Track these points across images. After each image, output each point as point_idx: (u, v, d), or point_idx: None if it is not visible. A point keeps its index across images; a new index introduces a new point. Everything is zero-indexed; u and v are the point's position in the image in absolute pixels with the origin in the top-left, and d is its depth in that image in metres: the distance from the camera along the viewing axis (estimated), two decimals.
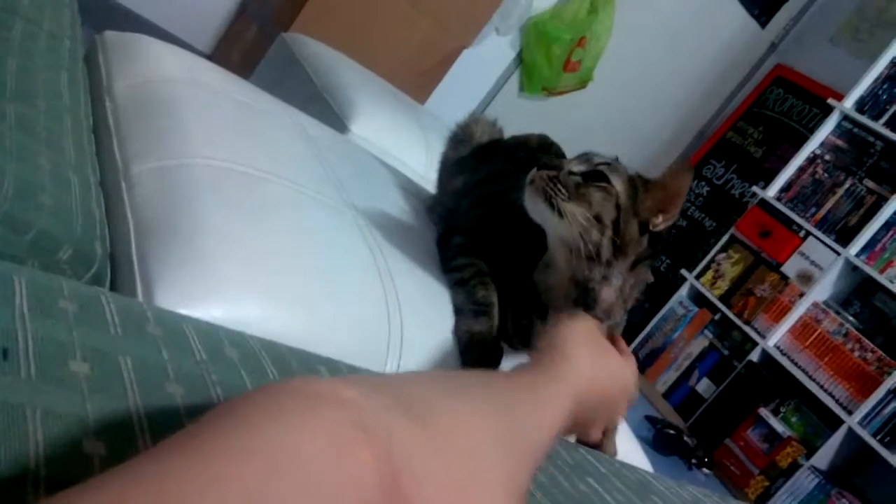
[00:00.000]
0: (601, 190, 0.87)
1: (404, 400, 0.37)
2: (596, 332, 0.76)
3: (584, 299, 0.90)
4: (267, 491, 0.27)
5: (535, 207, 0.89)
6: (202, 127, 0.92)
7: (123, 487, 0.26)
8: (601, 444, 0.89)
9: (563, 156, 1.17)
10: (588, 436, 0.82)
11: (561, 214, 0.86)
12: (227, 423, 0.30)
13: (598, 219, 0.87)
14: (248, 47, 2.87)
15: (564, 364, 0.64)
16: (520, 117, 2.30)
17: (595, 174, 0.87)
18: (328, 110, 1.95)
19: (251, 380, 0.49)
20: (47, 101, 0.78)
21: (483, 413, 0.44)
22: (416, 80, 3.03)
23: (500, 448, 0.43)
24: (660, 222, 0.90)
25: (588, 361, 0.68)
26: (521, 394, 0.54)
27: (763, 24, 4.10)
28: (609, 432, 0.91)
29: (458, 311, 0.91)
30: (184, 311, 0.63)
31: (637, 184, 0.89)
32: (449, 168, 1.31)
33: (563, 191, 0.86)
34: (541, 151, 1.19)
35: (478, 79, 3.64)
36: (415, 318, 0.85)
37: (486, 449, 0.41)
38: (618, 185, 0.87)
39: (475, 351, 0.86)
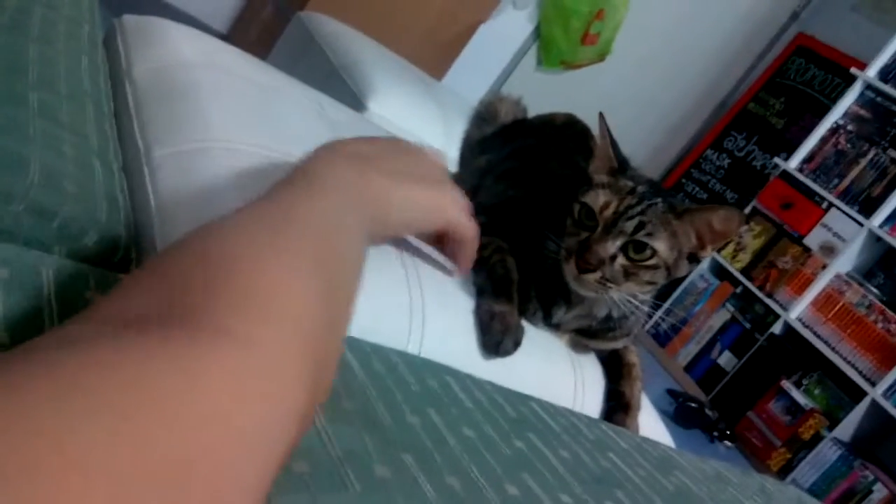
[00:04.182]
0: (650, 268, 0.87)
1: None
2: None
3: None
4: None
5: (585, 292, 0.91)
6: (221, 110, 0.92)
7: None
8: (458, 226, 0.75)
9: (588, 133, 1.16)
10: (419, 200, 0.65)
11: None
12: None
13: (650, 283, 0.89)
14: (265, 27, 2.87)
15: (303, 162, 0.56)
16: (538, 92, 2.29)
17: (637, 244, 0.86)
18: (346, 89, 1.95)
19: None
20: (69, 88, 0.79)
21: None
22: (433, 55, 3.03)
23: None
24: (707, 253, 0.91)
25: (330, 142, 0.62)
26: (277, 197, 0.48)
27: None
28: (459, 216, 0.73)
29: (479, 291, 0.91)
30: None
31: (680, 218, 0.87)
32: (472, 147, 1.31)
33: (614, 284, 0.87)
34: (566, 129, 1.19)
35: (495, 54, 3.62)
36: (436, 297, 0.86)
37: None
38: (661, 246, 0.86)
39: (496, 331, 0.86)
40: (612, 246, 0.86)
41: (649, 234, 0.85)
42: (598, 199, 0.88)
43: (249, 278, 0.35)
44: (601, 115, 0.93)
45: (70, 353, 0.27)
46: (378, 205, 0.58)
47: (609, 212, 0.87)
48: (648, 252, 0.86)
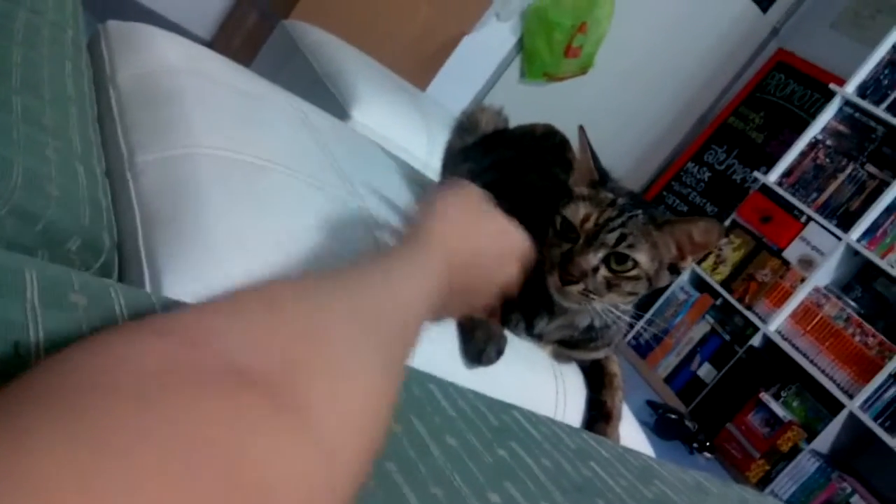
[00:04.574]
0: (631, 279, 0.88)
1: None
2: (474, 198, 0.73)
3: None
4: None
5: (567, 303, 0.92)
6: (205, 117, 0.92)
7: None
8: (497, 315, 0.88)
9: (567, 145, 1.17)
10: (476, 301, 0.75)
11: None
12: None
13: (631, 294, 0.90)
14: (249, 34, 2.86)
15: (424, 232, 0.61)
16: (521, 103, 2.30)
17: (619, 256, 0.86)
18: (329, 97, 1.95)
19: None
20: (52, 92, 0.78)
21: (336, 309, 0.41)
22: (417, 66, 3.03)
23: (363, 338, 0.41)
24: (687, 264, 0.92)
25: (456, 222, 0.65)
26: (373, 276, 0.50)
27: (764, 9, 4.09)
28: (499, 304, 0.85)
29: None
30: (190, 301, 0.64)
31: (660, 230, 0.88)
32: (454, 156, 1.32)
33: (596, 296, 0.88)
34: (545, 140, 1.19)
35: (478, 65, 3.63)
36: None
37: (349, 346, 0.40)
38: (642, 257, 0.87)
39: (479, 340, 0.86)
40: (594, 258, 0.86)
41: (630, 246, 0.86)
42: (578, 211, 0.88)
43: (327, 358, 0.36)
44: (581, 129, 0.93)
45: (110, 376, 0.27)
46: (443, 296, 0.62)
47: (590, 224, 0.87)
48: (630, 263, 0.86)
